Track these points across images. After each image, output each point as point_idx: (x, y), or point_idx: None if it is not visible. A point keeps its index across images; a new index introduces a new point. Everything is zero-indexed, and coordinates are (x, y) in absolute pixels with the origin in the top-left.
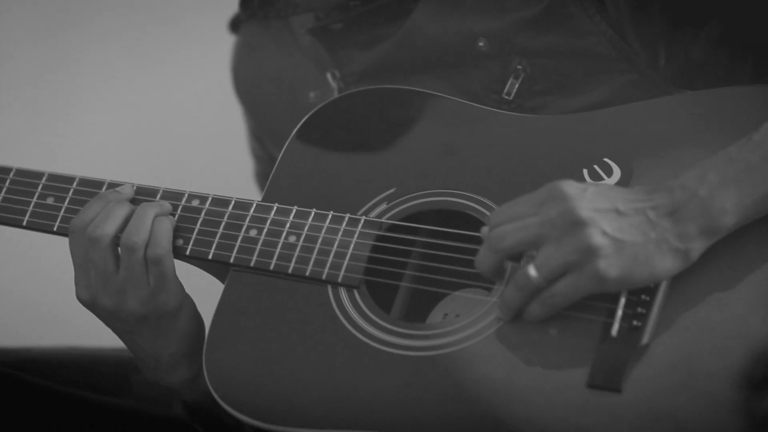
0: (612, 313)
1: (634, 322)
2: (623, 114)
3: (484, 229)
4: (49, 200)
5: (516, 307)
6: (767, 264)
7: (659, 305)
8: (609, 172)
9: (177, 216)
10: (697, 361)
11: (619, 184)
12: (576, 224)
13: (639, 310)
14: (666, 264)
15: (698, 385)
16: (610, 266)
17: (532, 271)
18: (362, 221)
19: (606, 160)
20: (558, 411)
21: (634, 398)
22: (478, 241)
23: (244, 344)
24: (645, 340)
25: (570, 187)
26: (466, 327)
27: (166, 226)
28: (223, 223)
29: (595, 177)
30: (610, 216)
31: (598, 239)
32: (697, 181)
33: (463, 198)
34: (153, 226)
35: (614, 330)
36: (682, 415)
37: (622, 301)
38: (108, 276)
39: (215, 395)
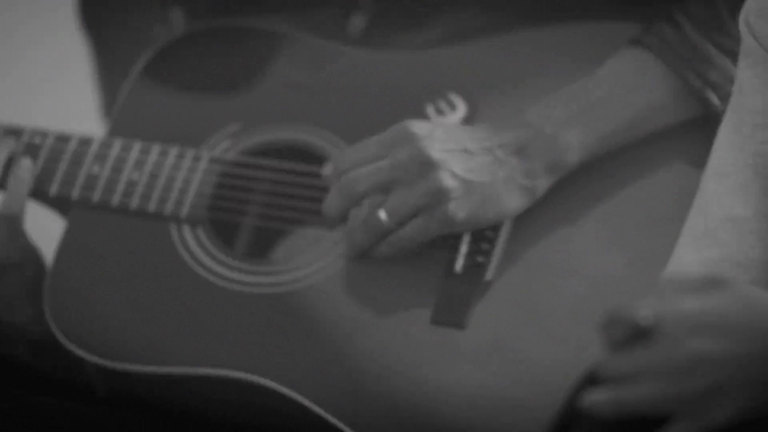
0: (456, 250)
1: (478, 259)
2: (469, 49)
3: (328, 170)
4: None
5: (364, 249)
6: (608, 201)
7: (503, 241)
8: (453, 107)
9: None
10: (539, 297)
11: (464, 119)
12: (427, 167)
13: (483, 246)
14: (513, 202)
15: (540, 322)
16: (458, 208)
17: (383, 215)
18: (206, 157)
19: (451, 95)
20: (402, 346)
21: (477, 334)
22: (323, 176)
23: (86, 282)
24: (488, 276)
25: (418, 128)
26: (310, 264)
27: (25, 179)
28: (64, 160)
29: (440, 112)
30: (460, 156)
31: (448, 182)
32: (543, 119)
33: (309, 134)
34: (10, 184)
35: (458, 266)
36: (524, 352)
37: (467, 237)
38: None
39: (56, 332)
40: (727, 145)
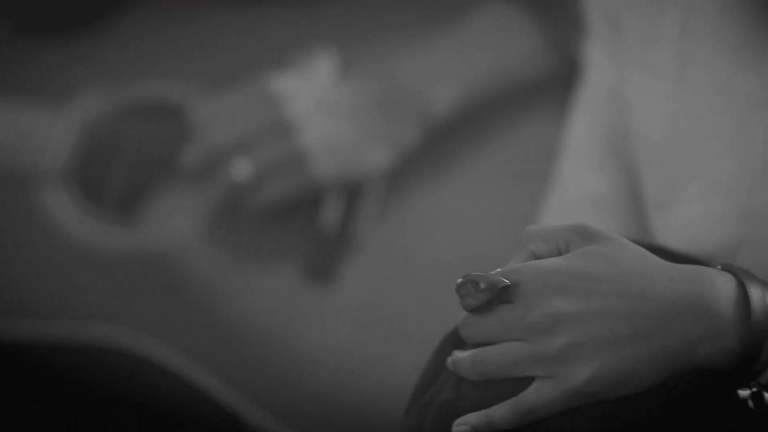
0: (325, 207)
1: (347, 214)
2: (340, 1)
3: (194, 122)
4: None
5: (226, 207)
6: (478, 156)
7: (372, 197)
8: (322, 58)
9: None
10: (408, 254)
11: (330, 71)
12: (287, 127)
13: (351, 202)
14: (380, 157)
15: (409, 278)
16: (323, 166)
17: (243, 172)
18: (72, 110)
19: (319, 44)
20: (274, 306)
21: (350, 294)
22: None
23: None
24: (357, 233)
25: (279, 86)
26: (176, 223)
27: None
28: None
29: (307, 62)
30: (321, 113)
31: (309, 141)
32: (409, 72)
33: (173, 92)
34: None
35: (327, 223)
36: (394, 310)
37: (334, 193)
38: None
39: None
40: (580, 122)
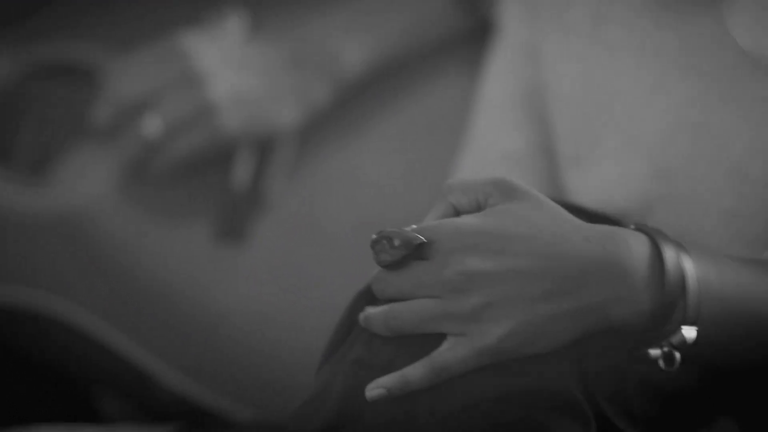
0: (235, 165)
1: (258, 172)
2: None
3: (103, 80)
4: None
5: (136, 163)
6: (392, 111)
7: (282, 155)
8: (232, 18)
9: None
10: (322, 211)
11: (240, 30)
12: (195, 81)
13: (262, 159)
14: (289, 115)
15: (322, 236)
16: (230, 120)
17: (151, 129)
18: None
19: (229, 5)
20: (184, 268)
21: (261, 254)
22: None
23: None
24: (268, 191)
25: (188, 42)
26: (87, 183)
27: None
28: None
29: (217, 22)
30: (230, 68)
31: (215, 94)
32: (320, 30)
33: (82, 52)
34: None
35: (237, 181)
36: (306, 269)
37: (242, 153)
38: None
39: None
40: (495, 78)
